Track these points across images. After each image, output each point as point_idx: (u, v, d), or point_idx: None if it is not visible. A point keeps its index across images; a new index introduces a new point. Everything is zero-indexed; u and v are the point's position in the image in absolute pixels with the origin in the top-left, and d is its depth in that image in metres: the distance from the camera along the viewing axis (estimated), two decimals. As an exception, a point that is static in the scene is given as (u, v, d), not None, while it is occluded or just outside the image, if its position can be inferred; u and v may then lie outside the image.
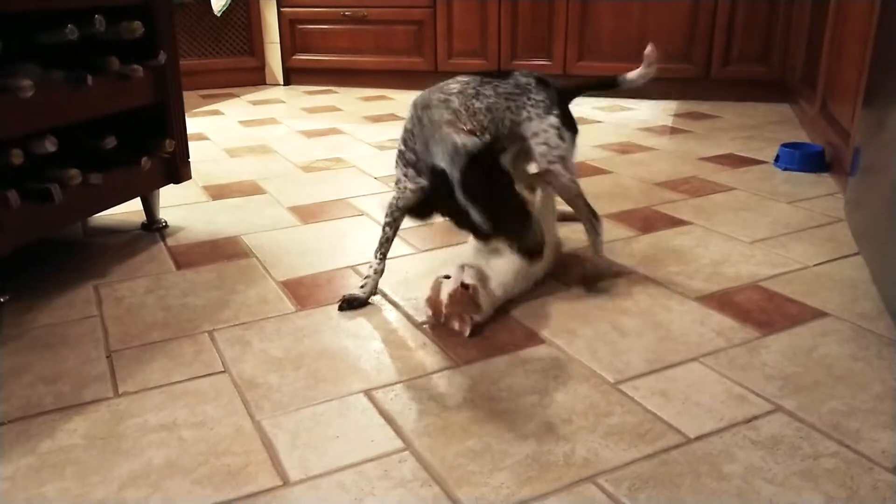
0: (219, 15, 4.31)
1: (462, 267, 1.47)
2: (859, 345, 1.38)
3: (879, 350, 1.36)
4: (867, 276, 1.63)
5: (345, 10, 4.30)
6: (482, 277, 1.47)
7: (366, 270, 1.60)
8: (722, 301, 1.56)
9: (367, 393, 1.24)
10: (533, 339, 1.42)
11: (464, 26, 4.10)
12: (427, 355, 1.36)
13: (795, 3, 3.50)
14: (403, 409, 1.20)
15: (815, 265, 1.74)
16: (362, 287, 1.57)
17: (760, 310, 1.52)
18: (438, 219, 1.39)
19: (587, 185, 2.40)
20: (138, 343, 1.42)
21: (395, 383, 1.27)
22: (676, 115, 3.54)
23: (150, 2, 1.82)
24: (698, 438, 1.11)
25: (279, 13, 4.42)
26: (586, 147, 2.93)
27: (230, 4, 4.31)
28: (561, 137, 1.55)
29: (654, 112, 3.63)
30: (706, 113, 3.59)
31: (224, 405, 1.21)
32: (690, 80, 3.82)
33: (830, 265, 1.74)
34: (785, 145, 2.62)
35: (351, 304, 1.56)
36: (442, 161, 1.28)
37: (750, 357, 1.34)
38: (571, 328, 1.46)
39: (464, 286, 1.43)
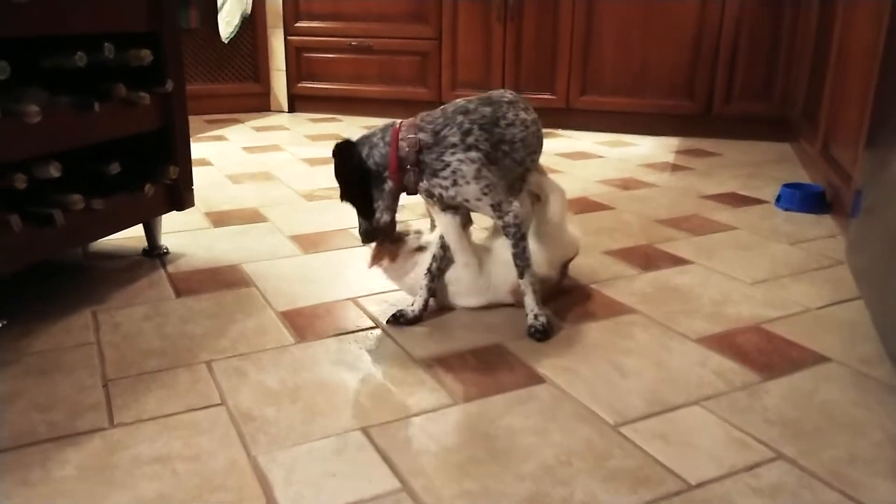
0: (226, 41, 4.35)
1: (419, 233, 1.69)
2: (859, 390, 1.37)
3: (880, 396, 1.35)
4: (868, 319, 1.63)
5: (351, 39, 4.34)
6: (414, 251, 1.66)
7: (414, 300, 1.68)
8: (722, 342, 1.56)
9: (365, 430, 1.23)
10: (532, 377, 1.41)
11: (468, 58, 4.14)
12: (425, 392, 1.35)
13: (797, 43, 3.54)
14: (401, 448, 1.18)
15: (816, 308, 1.73)
16: (412, 305, 1.65)
17: (761, 352, 1.51)
18: None
19: (588, 220, 2.41)
20: (135, 371, 1.41)
21: (393, 420, 1.26)
22: (678, 152, 3.56)
23: (158, 29, 1.83)
24: (699, 485, 1.10)
25: (286, 41, 4.46)
26: (588, 182, 2.94)
27: (238, 31, 4.35)
28: None
29: (655, 148, 3.64)
30: (707, 150, 3.60)
31: (219, 438, 1.20)
32: (692, 116, 3.85)
33: (831, 308, 1.74)
34: (786, 185, 2.63)
35: (398, 319, 1.63)
36: None
37: (750, 401, 1.33)
38: (571, 367, 1.45)
39: (399, 239, 1.65)
